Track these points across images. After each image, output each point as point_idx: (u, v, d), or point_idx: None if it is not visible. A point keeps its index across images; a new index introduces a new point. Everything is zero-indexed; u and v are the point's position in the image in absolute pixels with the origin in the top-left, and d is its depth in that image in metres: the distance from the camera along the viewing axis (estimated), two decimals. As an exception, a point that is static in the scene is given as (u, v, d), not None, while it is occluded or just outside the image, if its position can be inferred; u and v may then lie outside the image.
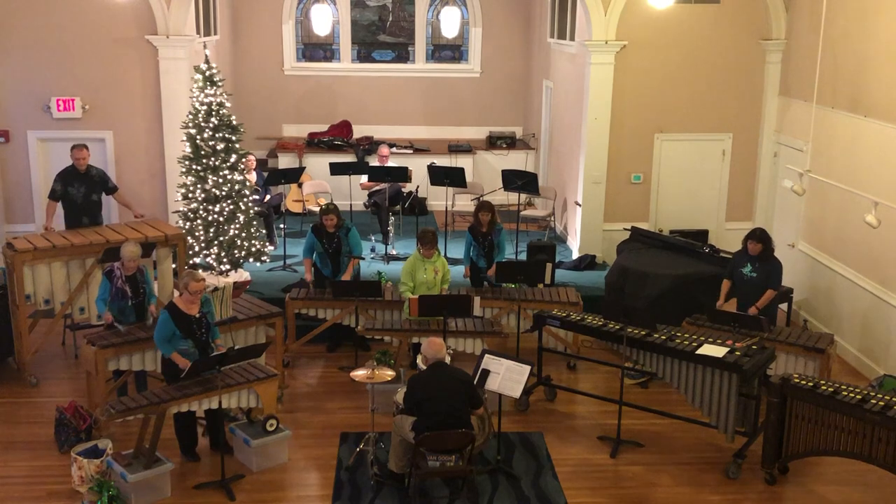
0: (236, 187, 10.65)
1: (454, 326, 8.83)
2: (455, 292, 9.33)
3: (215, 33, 13.76)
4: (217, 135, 10.45)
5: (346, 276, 9.54)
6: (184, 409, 7.13)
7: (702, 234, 11.96)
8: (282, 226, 12.53)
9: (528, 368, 7.35)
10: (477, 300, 8.81)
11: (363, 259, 9.98)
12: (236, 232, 10.70)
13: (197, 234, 10.56)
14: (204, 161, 10.47)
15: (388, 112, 16.01)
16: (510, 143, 15.38)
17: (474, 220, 9.86)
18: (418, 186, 13.89)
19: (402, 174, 12.51)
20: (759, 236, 8.85)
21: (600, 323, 8.36)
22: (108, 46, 11.18)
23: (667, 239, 10.84)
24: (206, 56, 10.74)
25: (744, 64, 11.85)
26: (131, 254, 8.07)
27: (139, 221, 9.84)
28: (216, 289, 8.38)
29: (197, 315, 7.41)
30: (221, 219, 10.59)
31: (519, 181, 11.98)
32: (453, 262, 11.57)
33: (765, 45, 11.73)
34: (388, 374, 7.43)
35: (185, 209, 10.61)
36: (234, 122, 10.66)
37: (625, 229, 11.38)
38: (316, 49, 16.27)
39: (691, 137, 12.09)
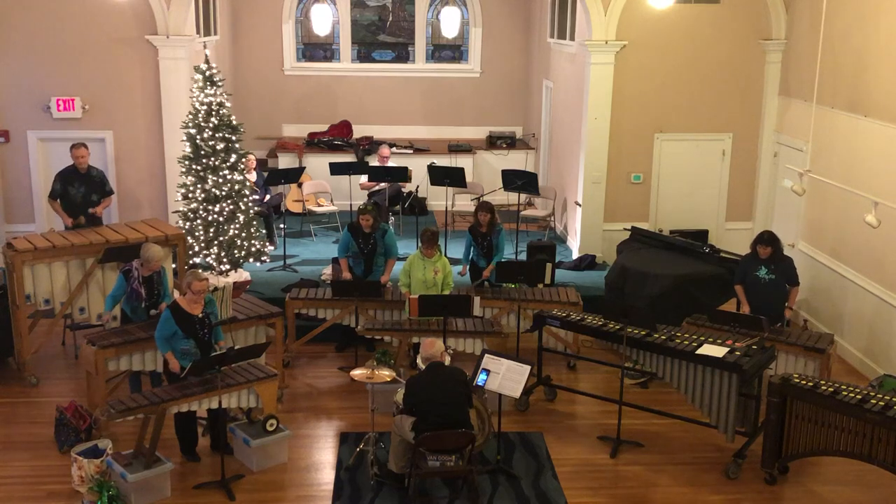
0: (236, 187, 10.65)
1: (454, 326, 8.83)
2: (455, 292, 9.34)
3: (215, 33, 13.76)
4: (217, 135, 10.45)
5: (386, 277, 9.56)
6: (184, 409, 7.13)
7: (702, 234, 11.97)
8: (282, 226, 12.53)
9: (528, 368, 7.35)
10: (477, 300, 8.82)
11: (401, 259, 9.93)
12: (236, 232, 10.69)
13: (197, 234, 10.56)
14: (204, 161, 10.47)
15: (388, 112, 16.01)
16: (510, 143, 15.38)
17: (474, 220, 9.87)
18: (418, 186, 13.90)
19: (402, 174, 12.52)
20: (768, 239, 8.82)
21: (600, 323, 8.36)
22: (108, 46, 11.18)
23: (667, 239, 10.84)
24: (206, 56, 10.74)
25: (744, 64, 11.86)
26: (156, 255, 8.02)
27: (139, 221, 9.84)
28: (216, 289, 8.38)
29: (200, 315, 7.41)
30: (221, 219, 10.59)
31: (519, 181, 11.98)
32: (453, 262, 11.58)
33: (765, 45, 11.74)
34: (388, 374, 7.44)
35: (185, 209, 10.60)
36: (234, 122, 10.66)
37: (625, 229, 11.38)
38: (316, 49, 16.27)
39: (691, 137, 12.09)
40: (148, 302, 8.13)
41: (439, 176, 12.31)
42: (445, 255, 9.40)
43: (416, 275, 9.05)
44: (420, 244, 9.15)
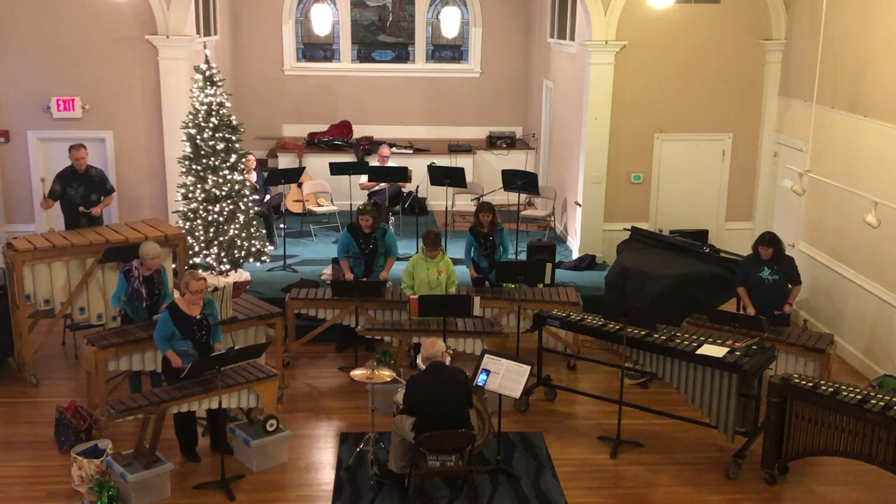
0: (236, 187, 10.65)
1: (454, 326, 8.83)
2: (455, 292, 9.34)
3: (215, 33, 13.76)
4: (217, 135, 10.45)
5: (385, 274, 9.55)
6: (184, 409, 7.13)
7: (702, 234, 11.96)
8: (282, 226, 12.54)
9: (528, 368, 7.35)
10: (477, 300, 8.82)
11: (400, 259, 9.92)
12: (236, 232, 10.70)
13: (197, 234, 10.56)
14: (204, 161, 10.47)
15: (388, 112, 16.01)
16: (510, 143, 15.38)
17: (475, 220, 9.86)
18: (418, 186, 13.90)
19: (402, 174, 12.52)
20: (770, 240, 8.82)
21: (600, 323, 8.36)
22: (108, 46, 11.18)
23: (667, 239, 10.84)
24: (206, 56, 10.74)
25: (744, 64, 11.85)
26: (151, 252, 8.00)
27: (139, 221, 9.84)
28: (216, 289, 8.38)
29: (198, 316, 7.40)
30: (221, 219, 10.59)
31: (519, 181, 11.98)
32: (454, 262, 11.56)
33: (765, 45, 11.74)
34: (388, 374, 7.44)
35: (185, 209, 10.60)
36: (234, 122, 10.66)
37: (625, 229, 11.38)
38: (316, 49, 16.27)
39: (691, 137, 12.09)
40: (149, 301, 8.12)
41: (439, 176, 12.31)
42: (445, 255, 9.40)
43: (419, 276, 9.05)
44: (423, 246, 9.14)
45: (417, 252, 9.31)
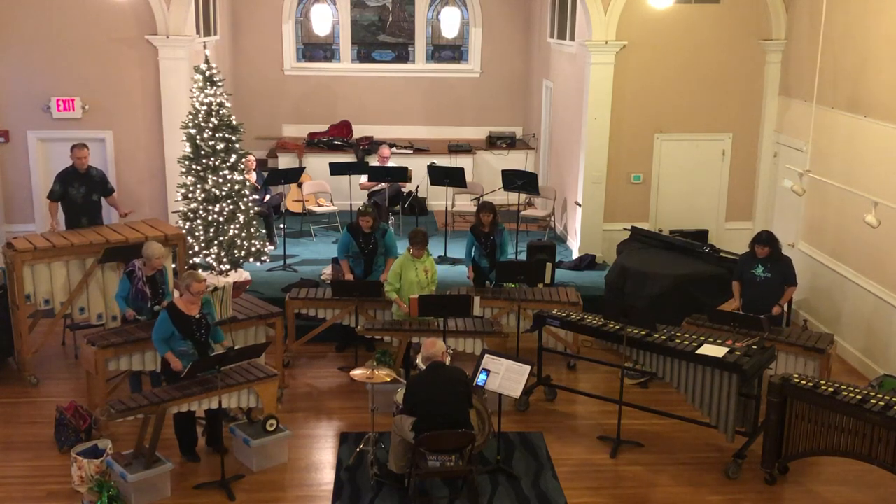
0: (236, 187, 10.65)
1: (454, 326, 8.83)
2: (455, 292, 9.33)
3: (215, 33, 13.76)
4: (217, 135, 10.45)
5: (386, 275, 9.49)
6: (184, 409, 7.13)
7: (702, 234, 11.96)
8: (282, 226, 12.54)
9: (528, 368, 7.36)
10: (477, 300, 8.82)
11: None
12: (236, 232, 10.69)
13: (197, 234, 10.56)
14: (204, 161, 10.46)
15: (388, 112, 16.01)
16: (510, 143, 15.38)
17: (476, 220, 9.86)
18: (418, 186, 13.90)
19: (402, 174, 12.52)
20: (766, 239, 8.84)
21: (600, 323, 8.36)
22: (108, 46, 11.17)
23: (667, 239, 10.84)
24: (206, 56, 10.74)
25: (744, 64, 11.85)
26: (157, 252, 8.00)
27: (139, 221, 9.84)
28: (216, 289, 8.38)
29: (197, 316, 7.40)
30: (221, 219, 10.59)
31: (519, 181, 11.98)
32: (455, 262, 11.58)
33: (765, 45, 11.74)
34: (388, 374, 7.44)
35: (185, 209, 10.60)
36: (234, 122, 10.66)
37: (625, 229, 11.38)
38: (316, 49, 16.27)
39: (691, 137, 12.08)
40: (153, 301, 8.12)
41: (439, 176, 12.31)
42: (446, 256, 9.38)
43: (408, 277, 9.02)
44: (410, 245, 9.05)
45: (405, 252, 9.23)
